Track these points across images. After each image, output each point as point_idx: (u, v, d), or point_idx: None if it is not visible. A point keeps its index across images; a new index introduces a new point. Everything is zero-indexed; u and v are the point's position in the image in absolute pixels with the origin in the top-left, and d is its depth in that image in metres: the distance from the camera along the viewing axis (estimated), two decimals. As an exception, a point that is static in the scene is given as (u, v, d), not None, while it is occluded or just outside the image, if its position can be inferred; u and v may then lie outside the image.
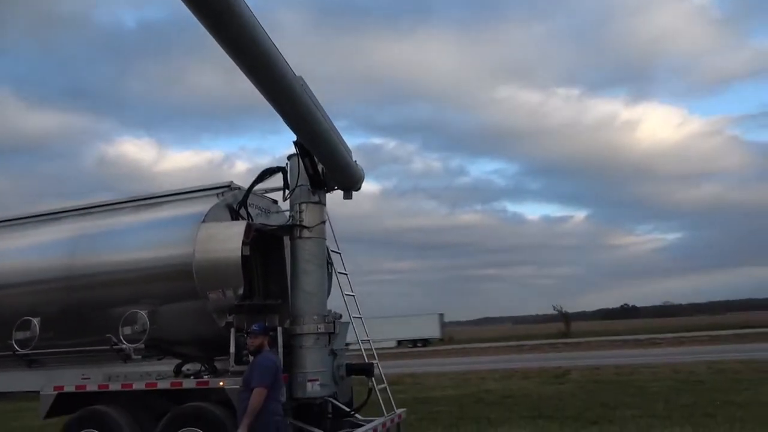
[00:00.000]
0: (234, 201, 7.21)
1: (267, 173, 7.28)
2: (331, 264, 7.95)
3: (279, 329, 6.62)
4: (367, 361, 7.40)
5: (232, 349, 6.32)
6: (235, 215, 7.10)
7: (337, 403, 7.24)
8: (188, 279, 6.48)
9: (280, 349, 6.46)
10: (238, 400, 5.51)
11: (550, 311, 70.54)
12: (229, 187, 7.33)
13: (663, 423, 10.05)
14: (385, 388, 7.71)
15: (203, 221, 6.66)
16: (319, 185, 7.07)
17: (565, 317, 62.73)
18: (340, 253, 8.14)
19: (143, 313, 6.65)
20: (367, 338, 7.83)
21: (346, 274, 8.04)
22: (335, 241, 8.05)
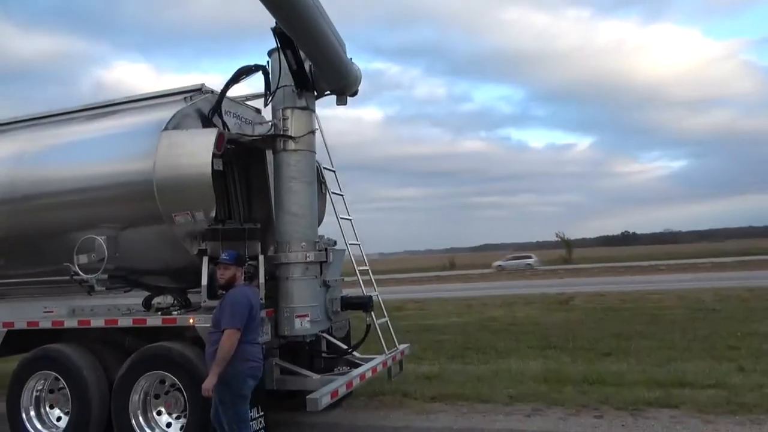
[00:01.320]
0: (207, 107, 6.02)
1: (243, 72, 6.02)
2: (324, 183, 6.89)
3: (261, 258, 5.64)
4: (365, 293, 6.48)
5: (204, 281, 5.36)
6: (207, 123, 5.93)
7: (332, 339, 6.40)
8: (149, 199, 5.40)
9: (262, 281, 5.52)
10: (208, 342, 4.59)
11: (552, 238, 70.37)
12: (200, 90, 6.11)
13: (683, 355, 9.33)
14: (387, 322, 6.86)
15: (165, 129, 5.51)
16: (306, 86, 5.87)
17: (567, 244, 62.59)
18: (334, 171, 7.04)
19: (101, 239, 5.63)
20: (365, 267, 6.90)
21: (341, 195, 6.96)
22: (329, 156, 6.92)
